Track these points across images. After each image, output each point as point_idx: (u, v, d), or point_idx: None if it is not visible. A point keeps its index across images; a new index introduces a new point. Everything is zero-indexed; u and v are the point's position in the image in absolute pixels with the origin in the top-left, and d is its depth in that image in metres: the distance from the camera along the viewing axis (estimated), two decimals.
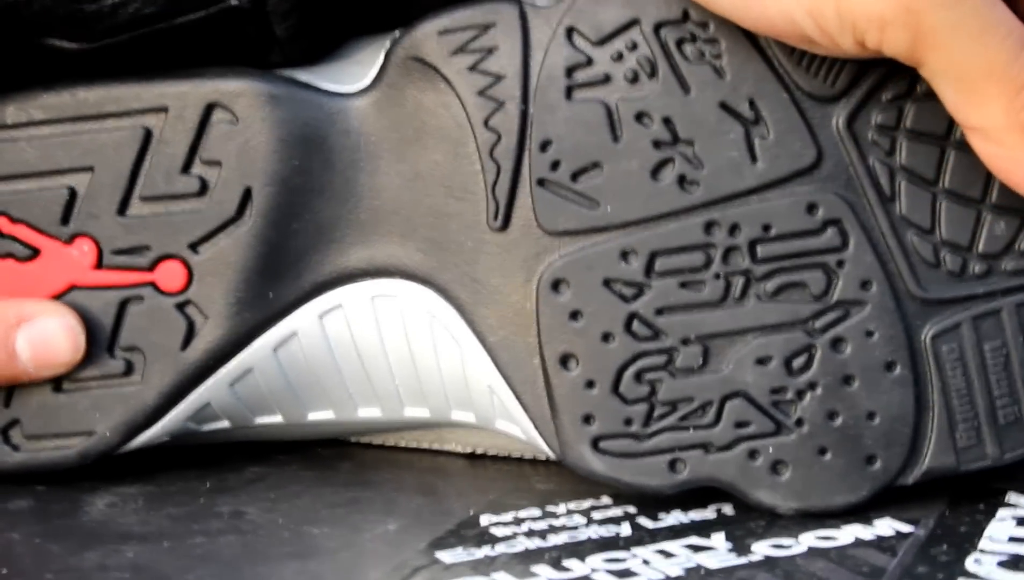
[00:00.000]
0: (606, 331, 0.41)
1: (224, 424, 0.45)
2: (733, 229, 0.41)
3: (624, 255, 0.41)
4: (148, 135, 0.43)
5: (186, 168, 0.43)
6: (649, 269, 0.41)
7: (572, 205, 0.41)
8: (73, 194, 0.43)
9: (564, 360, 0.41)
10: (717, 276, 0.41)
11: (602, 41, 0.41)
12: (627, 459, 0.41)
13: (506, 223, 0.42)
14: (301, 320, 0.43)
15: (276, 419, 0.45)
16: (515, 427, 0.43)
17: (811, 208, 0.40)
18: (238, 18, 0.43)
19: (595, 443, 0.41)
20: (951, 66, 0.38)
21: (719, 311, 0.41)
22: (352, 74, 0.44)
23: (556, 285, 0.41)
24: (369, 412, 0.45)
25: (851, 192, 0.40)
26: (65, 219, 0.43)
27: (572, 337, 0.41)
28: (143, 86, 0.43)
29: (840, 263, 0.40)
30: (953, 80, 0.39)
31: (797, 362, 0.40)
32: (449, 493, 0.44)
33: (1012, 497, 0.42)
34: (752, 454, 0.41)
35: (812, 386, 0.40)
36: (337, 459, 0.47)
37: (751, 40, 0.40)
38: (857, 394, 0.40)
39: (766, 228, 0.41)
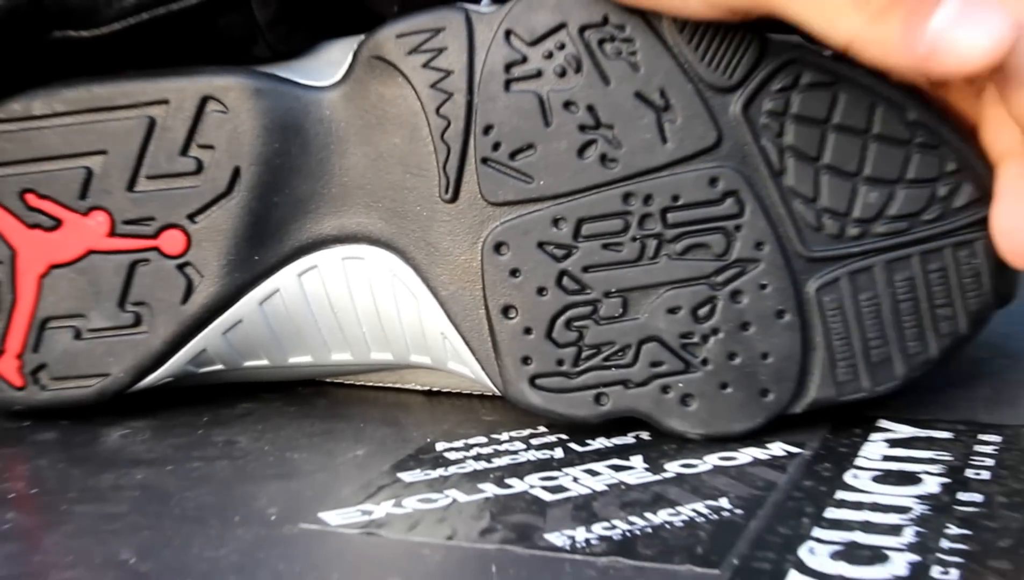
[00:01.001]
0: (540, 286, 0.43)
1: (218, 367, 0.47)
2: (647, 199, 0.42)
3: (555, 222, 0.43)
4: (152, 123, 0.45)
5: (184, 151, 0.45)
6: (576, 233, 0.43)
7: (511, 180, 0.43)
8: (90, 173, 0.45)
9: (505, 310, 0.43)
10: (634, 239, 0.42)
11: (535, 42, 0.43)
12: (559, 394, 0.43)
13: (455, 195, 0.43)
14: (283, 278, 0.45)
15: (262, 362, 0.47)
16: (465, 368, 0.45)
17: (713, 181, 0.42)
18: (225, 5, 0.45)
19: (532, 380, 0.43)
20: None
21: (636, 268, 0.43)
22: (325, 71, 0.45)
23: (498, 247, 0.43)
24: (341, 356, 0.47)
25: (747, 167, 0.42)
26: (83, 195, 0.45)
27: (512, 291, 0.43)
28: (148, 82, 0.45)
29: (738, 227, 0.42)
30: (814, 11, 0.38)
31: (702, 311, 0.42)
32: (409, 424, 0.46)
33: (884, 423, 0.44)
34: (665, 389, 0.42)
35: (715, 331, 0.42)
36: (315, 396, 0.49)
37: (661, 39, 0.42)
38: (753, 338, 0.42)
39: (675, 198, 0.42)
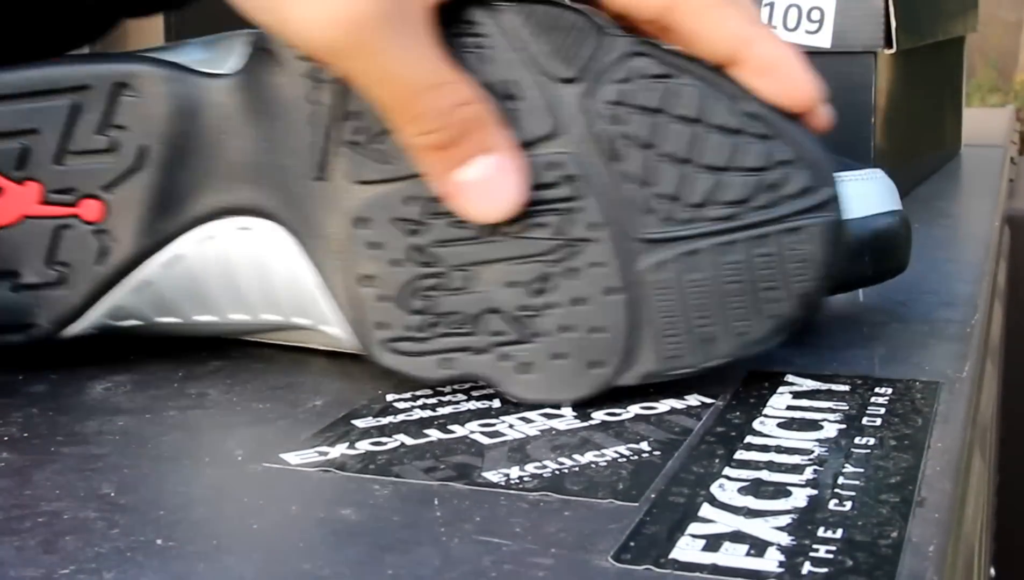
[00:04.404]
0: (395, 258, 0.45)
1: (134, 322, 0.50)
2: None
3: (408, 200, 0.45)
4: (76, 107, 0.47)
5: (101, 131, 0.48)
6: (427, 211, 0.45)
7: (371, 162, 0.45)
8: (25, 149, 0.48)
9: (366, 279, 0.45)
10: None
11: None
12: (409, 357, 0.45)
13: (324, 175, 0.46)
14: (185, 245, 0.48)
15: (172, 319, 0.50)
16: (336, 330, 0.47)
17: (553, 166, 0.44)
18: None
19: (386, 343, 0.45)
20: (375, 100, 0.43)
21: (480, 245, 0.44)
22: (221, 61, 0.48)
23: (360, 222, 0.45)
24: (237, 316, 0.49)
25: (585, 153, 0.44)
26: (19, 167, 0.48)
27: (371, 262, 0.45)
28: (72, 69, 0.48)
29: (575, 209, 0.44)
30: (385, 105, 0.43)
31: (539, 286, 0.44)
32: (364, 378, 0.48)
33: (790, 378, 0.47)
34: (504, 357, 0.44)
35: (551, 306, 0.44)
36: (279, 354, 0.51)
37: (507, 34, 0.44)
38: (586, 312, 0.44)
39: None
